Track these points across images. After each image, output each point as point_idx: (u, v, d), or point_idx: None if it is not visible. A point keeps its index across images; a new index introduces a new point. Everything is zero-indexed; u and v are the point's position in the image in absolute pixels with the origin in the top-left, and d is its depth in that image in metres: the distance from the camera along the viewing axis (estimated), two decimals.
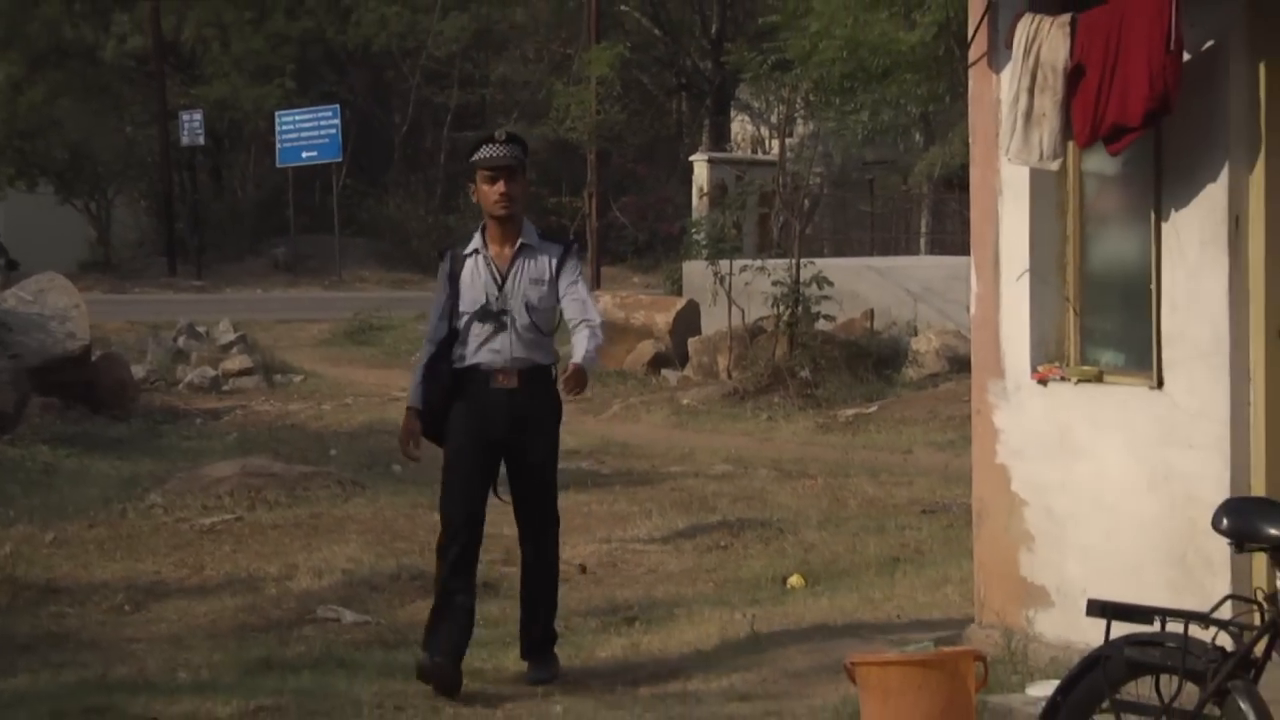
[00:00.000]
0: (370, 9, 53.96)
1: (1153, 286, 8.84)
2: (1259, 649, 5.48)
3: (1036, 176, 9.36)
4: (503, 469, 9.88)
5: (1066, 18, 8.80)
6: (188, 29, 54.27)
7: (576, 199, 39.54)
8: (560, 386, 9.67)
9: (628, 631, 11.36)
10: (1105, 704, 5.80)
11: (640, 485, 17.08)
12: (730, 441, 20.92)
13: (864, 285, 27.93)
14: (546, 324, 9.77)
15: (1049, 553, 9.36)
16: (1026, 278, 9.48)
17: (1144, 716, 5.72)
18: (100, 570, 13.38)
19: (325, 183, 51.72)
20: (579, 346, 9.64)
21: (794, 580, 12.68)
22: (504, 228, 9.70)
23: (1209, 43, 8.52)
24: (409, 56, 55.36)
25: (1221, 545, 5.91)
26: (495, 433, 9.60)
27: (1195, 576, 8.44)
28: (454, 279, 9.70)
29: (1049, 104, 8.81)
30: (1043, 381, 9.39)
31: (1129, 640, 5.74)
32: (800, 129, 38.37)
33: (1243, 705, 5.37)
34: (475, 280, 9.66)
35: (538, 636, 9.96)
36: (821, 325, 25.38)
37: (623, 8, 53.79)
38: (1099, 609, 5.84)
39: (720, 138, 51.54)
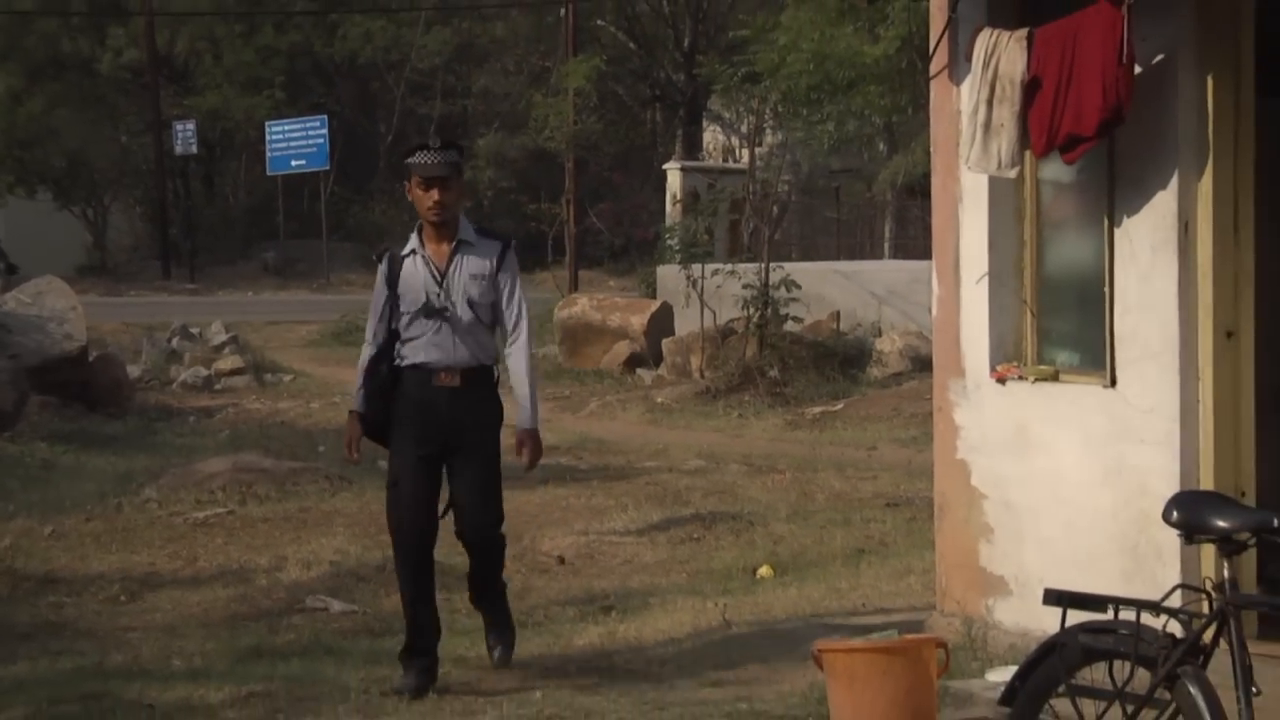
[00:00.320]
0: (356, 23, 54.00)
1: (1106, 289, 8.85)
2: (1207, 636, 5.50)
3: (995, 184, 9.37)
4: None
5: (1024, 32, 8.81)
6: (181, 42, 54.23)
7: (555, 205, 39.44)
8: (520, 461, 9.45)
9: (604, 620, 11.36)
10: (1061, 689, 5.81)
11: (616, 480, 17.08)
12: (702, 438, 20.93)
13: (830, 288, 27.94)
14: (488, 319, 9.37)
15: (1007, 544, 9.38)
16: (986, 281, 9.48)
17: (1098, 700, 5.72)
18: (97, 562, 13.36)
19: (313, 190, 51.65)
20: (523, 402, 9.37)
21: (763, 571, 12.69)
22: (440, 229, 9.36)
23: (1159, 56, 8.54)
24: (394, 69, 55.38)
25: (1172, 537, 5.93)
26: (437, 433, 9.24)
27: (1147, 566, 8.45)
28: (393, 281, 9.36)
29: (1007, 115, 8.82)
30: (1001, 380, 9.40)
31: (1084, 628, 5.75)
32: (769, 138, 38.33)
33: (1192, 689, 5.38)
34: (415, 279, 9.31)
35: (502, 625, 9.71)
36: (790, 326, 25.40)
37: (599, 22, 53.72)
38: (1055, 598, 5.85)
39: (693, 147, 51.58)
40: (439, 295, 9.25)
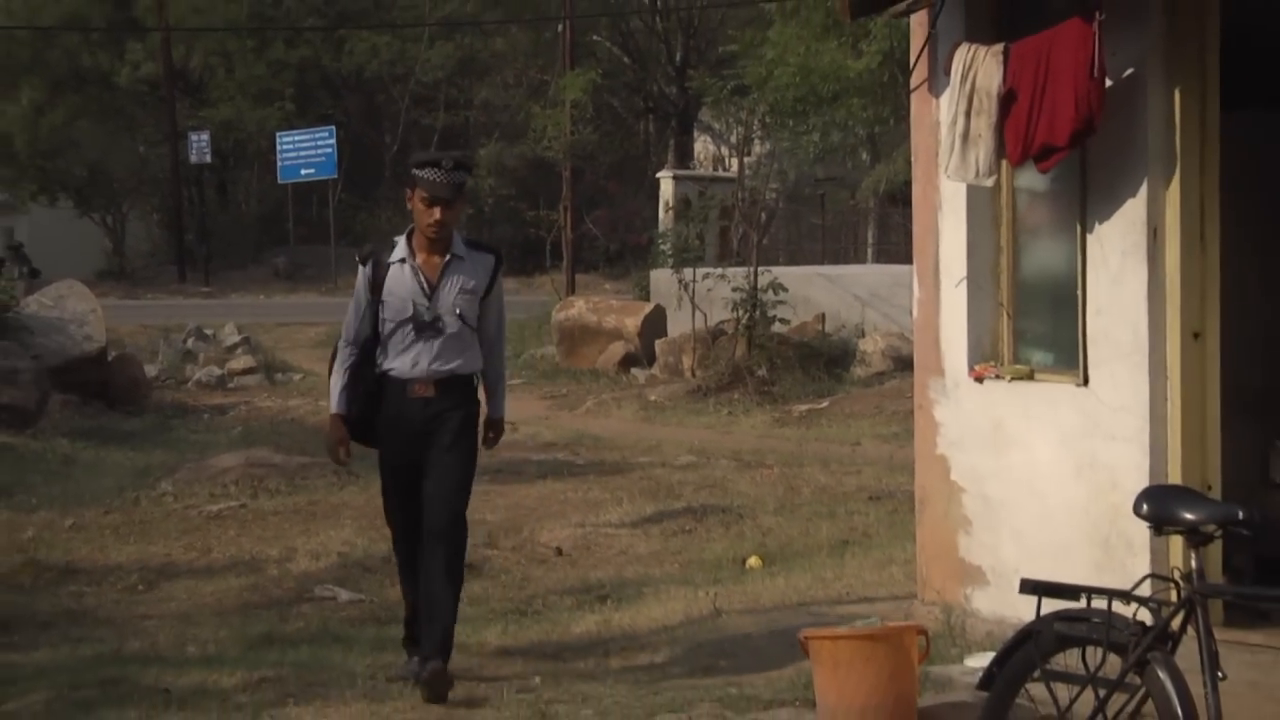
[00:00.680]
0: (363, 39, 54.05)
1: (1079, 292, 8.84)
2: (1176, 623, 5.50)
3: (973, 192, 9.36)
4: None
5: (1000, 47, 8.81)
6: (196, 57, 54.29)
7: (552, 212, 39.46)
8: (483, 442, 9.12)
9: (600, 609, 11.35)
10: (1036, 674, 5.81)
11: (611, 475, 17.08)
12: (694, 434, 20.93)
13: (816, 291, 27.93)
14: (473, 333, 8.89)
15: (985, 536, 9.37)
16: (964, 284, 9.48)
17: (1071, 685, 5.72)
18: (115, 553, 13.36)
19: (322, 197, 51.73)
20: (496, 396, 9.22)
21: (752, 561, 12.68)
22: (434, 242, 8.81)
23: (1129, 70, 8.53)
24: (399, 82, 55.39)
25: (1142, 529, 5.93)
26: (410, 451, 8.79)
27: (1118, 557, 8.45)
28: (377, 286, 8.81)
29: (984, 126, 8.81)
30: (979, 379, 9.40)
31: (1058, 616, 5.75)
32: (757, 148, 38.30)
33: (1161, 674, 5.38)
34: (402, 289, 8.76)
35: (434, 643, 8.70)
36: (777, 328, 25.41)
37: (595, 38, 53.79)
38: (1030, 587, 5.84)
39: (684, 156, 51.60)
40: (427, 308, 8.75)
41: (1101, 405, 8.71)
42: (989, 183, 9.03)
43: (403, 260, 8.83)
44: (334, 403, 8.97)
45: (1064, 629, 5.71)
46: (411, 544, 8.98)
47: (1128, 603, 5.62)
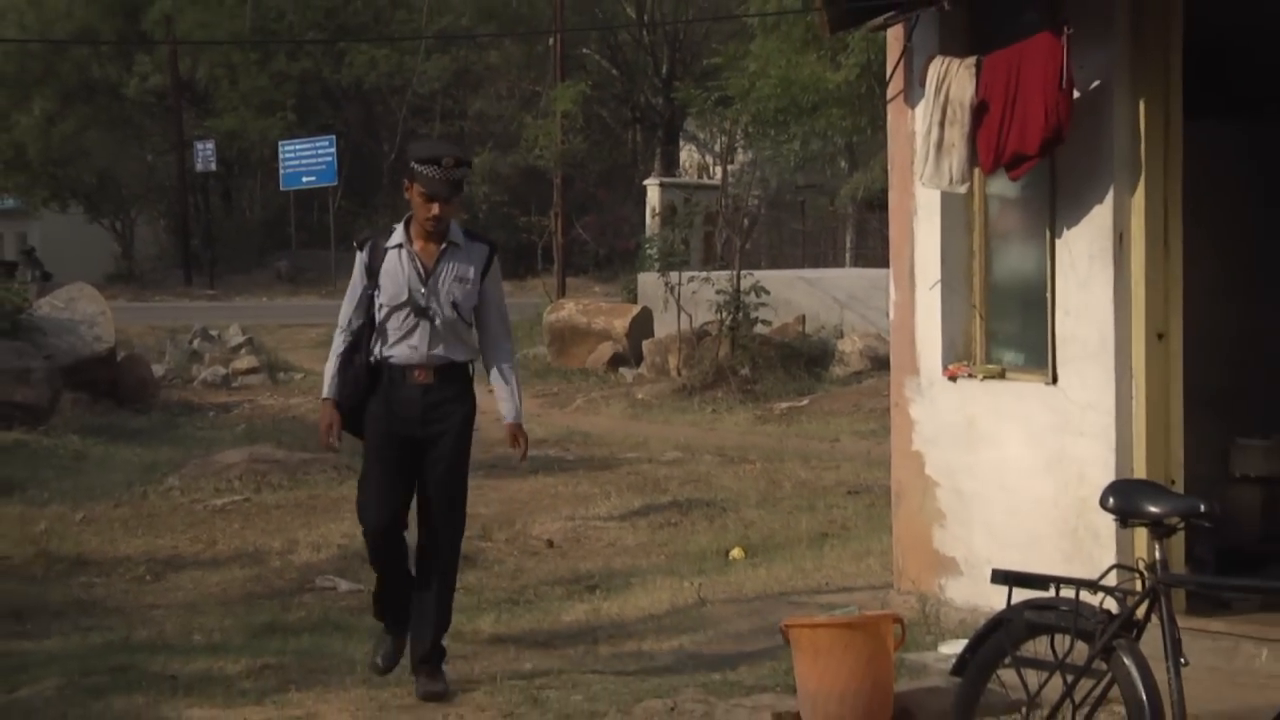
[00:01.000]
0: (362, 51, 54.01)
1: (1048, 295, 8.86)
2: (1140, 612, 5.50)
3: (947, 199, 9.37)
4: None
5: (972, 60, 8.82)
6: (201, 69, 54.27)
7: (544, 218, 39.42)
8: (516, 451, 8.62)
9: (589, 598, 11.35)
10: (1007, 660, 5.81)
11: (600, 470, 17.08)
12: (679, 431, 20.93)
13: (796, 294, 27.93)
14: (469, 319, 8.45)
15: (958, 528, 9.38)
16: (938, 287, 9.49)
17: (1041, 671, 5.73)
18: (124, 545, 13.36)
19: (322, 204, 51.69)
20: (506, 400, 8.56)
21: (735, 553, 12.68)
22: (432, 231, 8.38)
23: (1096, 82, 8.54)
24: (396, 93, 55.36)
25: (1108, 521, 5.93)
26: (409, 429, 8.31)
27: (1085, 548, 8.46)
28: (374, 271, 8.39)
29: (957, 135, 8.82)
30: (953, 378, 9.41)
31: (1028, 604, 5.75)
32: (740, 157, 38.30)
33: (1126, 661, 5.39)
34: (399, 274, 8.34)
35: (426, 650, 8.44)
36: (759, 329, 25.41)
37: (584, 51, 53.74)
38: (1002, 577, 5.85)
39: (670, 164, 51.55)
40: (423, 294, 8.32)
41: (1070, 403, 8.72)
42: (962, 190, 9.04)
43: (400, 246, 8.44)
44: (326, 387, 8.56)
45: (1033, 617, 5.72)
46: (382, 545, 8.45)
47: (1094, 592, 5.62)
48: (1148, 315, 8.54)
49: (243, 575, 12.31)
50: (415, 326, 8.33)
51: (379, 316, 8.38)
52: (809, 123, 29.92)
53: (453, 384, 8.42)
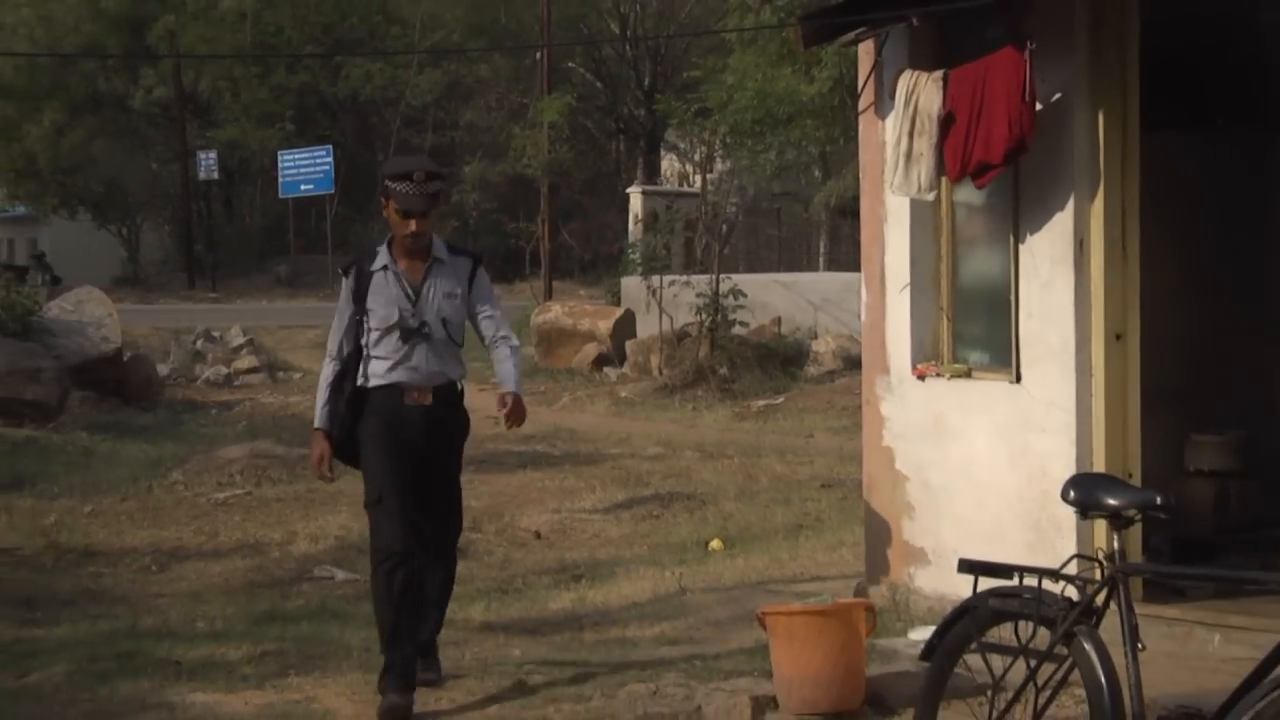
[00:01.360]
0: (358, 66, 53.97)
1: (1012, 298, 8.87)
2: (1100, 599, 5.50)
3: (916, 206, 9.38)
4: None
5: (940, 73, 8.83)
6: (204, 81, 54.19)
7: (531, 224, 39.41)
8: (502, 418, 8.01)
9: (575, 587, 11.35)
10: (973, 646, 5.81)
11: (586, 465, 17.07)
12: (661, 428, 20.92)
13: (772, 297, 27.93)
14: (459, 337, 8.05)
15: (927, 520, 9.39)
16: (908, 290, 9.50)
17: (1005, 656, 5.73)
18: (130, 537, 13.34)
19: (320, 211, 51.56)
20: (507, 373, 8.07)
21: (714, 544, 12.68)
22: (414, 249, 7.98)
23: (1057, 95, 8.56)
24: (390, 105, 55.30)
25: (1069, 513, 5.94)
26: (411, 451, 7.86)
27: (1047, 539, 8.47)
28: (360, 296, 7.96)
29: (926, 145, 8.83)
30: (921, 377, 9.41)
31: (993, 593, 5.75)
32: (719, 166, 38.32)
33: (1086, 646, 5.39)
34: (386, 295, 7.92)
35: (425, 638, 8.12)
36: (737, 330, 25.43)
37: (570, 65, 53.78)
38: (968, 566, 5.85)
39: (652, 173, 51.61)
40: (413, 314, 7.90)
41: (1033, 401, 8.73)
42: (930, 197, 9.05)
43: (385, 267, 7.99)
44: (317, 418, 8.08)
45: (998, 605, 5.71)
46: (403, 563, 7.76)
47: (1056, 581, 5.62)
48: (1107, 317, 8.55)
49: (244, 565, 12.29)
50: (410, 348, 7.89)
51: (370, 340, 7.95)
52: (784, 133, 29.93)
53: (449, 403, 8.03)
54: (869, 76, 9.68)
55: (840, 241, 39.96)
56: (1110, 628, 5.35)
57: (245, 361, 28.59)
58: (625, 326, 28.22)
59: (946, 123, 8.73)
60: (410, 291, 7.94)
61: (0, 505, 14.47)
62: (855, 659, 7.36)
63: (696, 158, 39.96)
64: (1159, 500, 5.43)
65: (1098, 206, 8.54)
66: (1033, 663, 5.54)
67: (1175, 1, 9.13)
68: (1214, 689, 5.67)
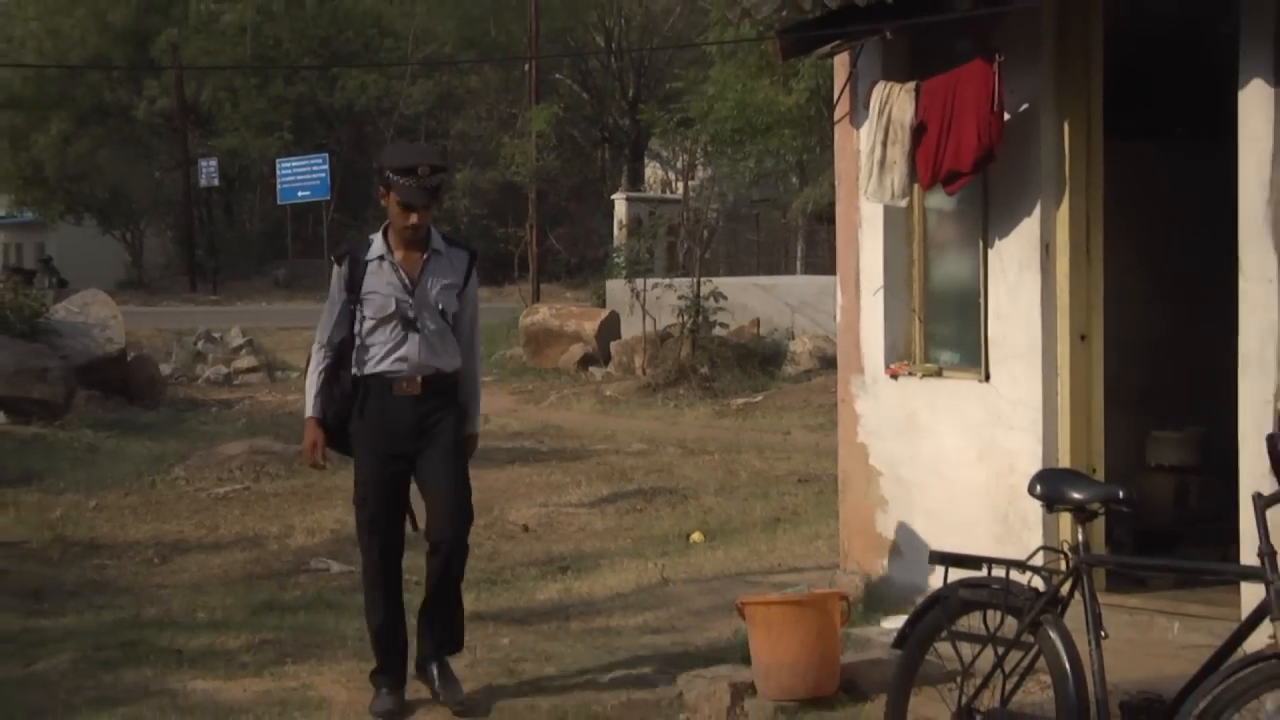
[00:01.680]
0: (353, 76, 53.91)
1: (981, 300, 8.87)
2: (1065, 589, 5.52)
3: (889, 212, 9.38)
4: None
5: (912, 84, 8.83)
6: (205, 92, 54.06)
7: (520, 229, 39.39)
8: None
9: (562, 578, 11.34)
10: (944, 634, 5.82)
11: (572, 460, 17.06)
12: (644, 425, 20.92)
13: (751, 299, 27.94)
14: (452, 326, 7.66)
15: (899, 513, 9.39)
16: (881, 293, 9.49)
17: (974, 644, 5.74)
18: (134, 530, 13.32)
19: (316, 216, 51.44)
20: (471, 410, 7.80)
21: (695, 537, 12.68)
22: (412, 239, 7.61)
23: (1024, 105, 8.57)
24: (385, 115, 55.21)
25: (1035, 507, 5.95)
26: (401, 444, 7.52)
27: (1015, 532, 8.48)
28: (354, 285, 7.60)
29: (899, 154, 8.83)
30: (894, 376, 9.42)
31: (962, 583, 5.77)
32: (700, 173, 38.31)
33: (1052, 634, 5.40)
34: (382, 285, 7.55)
35: (429, 652, 7.71)
36: (717, 331, 25.42)
37: (557, 76, 53.74)
38: (939, 558, 5.86)
39: (636, 180, 51.60)
40: (410, 304, 7.54)
41: (1001, 399, 8.74)
42: (903, 203, 9.05)
43: (381, 257, 7.61)
44: (309, 406, 7.68)
45: (968, 595, 5.73)
46: (385, 568, 7.64)
47: (1023, 571, 5.63)
48: (1072, 319, 8.56)
49: (243, 558, 12.27)
50: (404, 338, 7.52)
51: (363, 330, 7.58)
52: (763, 142, 30.00)
53: (441, 393, 7.60)
54: (844, 88, 9.68)
55: (816, 246, 39.97)
56: (1075, 616, 5.37)
57: (244, 361, 28.56)
58: (610, 328, 28.21)
59: (918, 132, 8.73)
60: (408, 282, 7.57)
61: (8, 500, 14.44)
62: (831, 647, 7.36)
63: (678, 165, 39.94)
64: (1121, 494, 5.45)
65: (1063, 212, 8.55)
66: (1000, 650, 5.55)
67: (1138, 16, 9.14)
68: (1173, 675, 5.68)
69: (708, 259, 29.76)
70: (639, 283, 26.44)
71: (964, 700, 5.67)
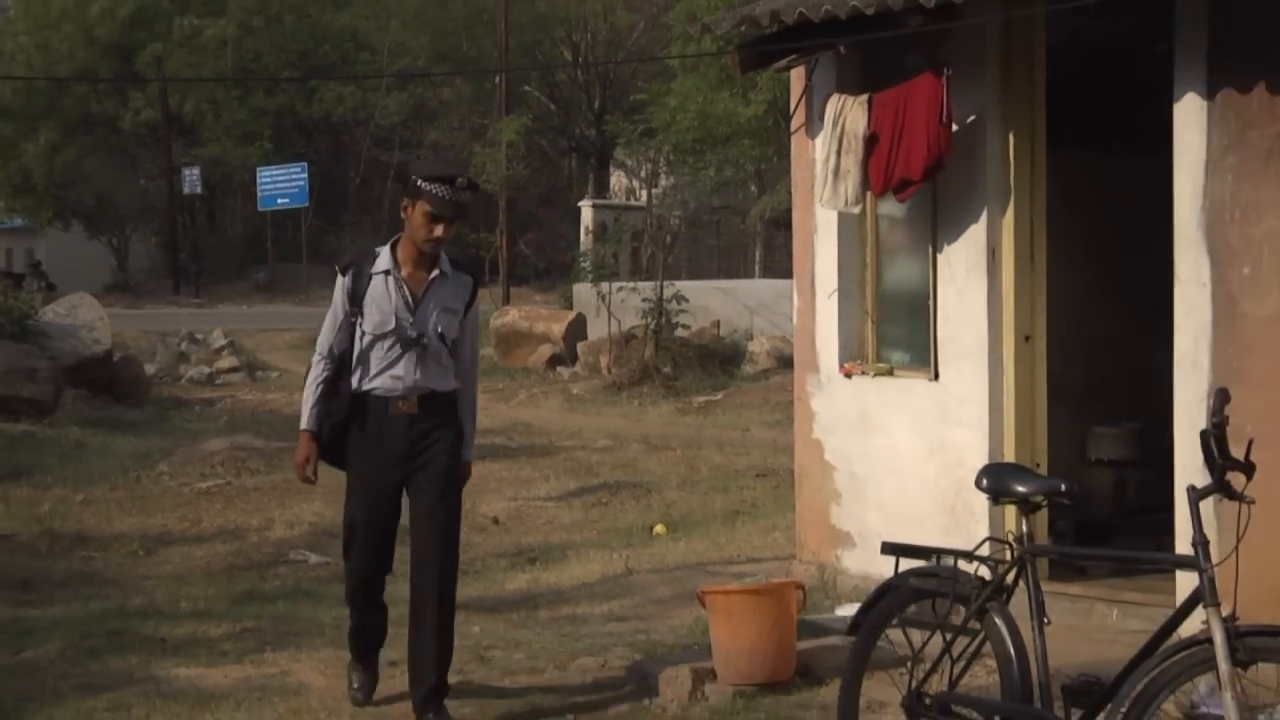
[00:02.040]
0: (331, 88, 53.92)
1: (930, 302, 8.89)
2: (1010, 578, 5.52)
3: (843, 218, 9.40)
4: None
5: (865, 97, 8.84)
6: (188, 103, 53.84)
7: (490, 235, 39.33)
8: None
9: (530, 569, 11.34)
10: (895, 621, 5.82)
11: (540, 456, 17.05)
12: (610, 422, 20.93)
13: (712, 302, 27.97)
14: (450, 354, 7.10)
15: (853, 506, 9.41)
16: (835, 295, 9.51)
17: (924, 630, 5.74)
18: (120, 523, 13.25)
19: (295, 223, 51.38)
20: (466, 437, 7.26)
21: (659, 529, 12.69)
22: (423, 256, 7.05)
23: (971, 117, 8.59)
24: (361, 125, 55.17)
25: (982, 500, 5.95)
26: (395, 467, 7.03)
27: (962, 523, 8.50)
28: (357, 298, 7.03)
29: (852, 163, 8.84)
30: (848, 375, 9.43)
31: (913, 573, 5.76)
32: (663, 181, 38.32)
33: (997, 621, 5.41)
34: (385, 302, 6.99)
35: (430, 688, 7.03)
36: (680, 333, 25.46)
37: (526, 89, 53.68)
38: (890, 548, 5.86)
39: (602, 188, 51.61)
40: (411, 324, 6.98)
41: (949, 397, 8.76)
42: (856, 210, 9.07)
43: (386, 272, 7.04)
44: (304, 418, 7.17)
45: (918, 583, 5.73)
46: (368, 586, 7.27)
47: (971, 561, 5.64)
48: (1016, 320, 8.59)
49: (224, 550, 12.22)
50: (400, 356, 7.00)
51: (361, 345, 7.05)
52: (723, 151, 30.06)
53: (438, 413, 7.08)
54: (800, 100, 9.69)
55: (774, 251, 40.02)
56: (1019, 604, 5.38)
57: (226, 362, 28.47)
58: (577, 329, 28.21)
59: (871, 142, 8.75)
60: (410, 300, 7.01)
61: None
62: (787, 634, 7.36)
63: (643, 174, 39.99)
64: (1063, 487, 5.46)
65: (1008, 219, 8.57)
66: (949, 636, 5.55)
67: (1079, 34, 9.17)
68: (1112, 659, 5.69)
69: (670, 263, 29.78)
70: (605, 286, 26.46)
71: (914, 684, 5.67)
